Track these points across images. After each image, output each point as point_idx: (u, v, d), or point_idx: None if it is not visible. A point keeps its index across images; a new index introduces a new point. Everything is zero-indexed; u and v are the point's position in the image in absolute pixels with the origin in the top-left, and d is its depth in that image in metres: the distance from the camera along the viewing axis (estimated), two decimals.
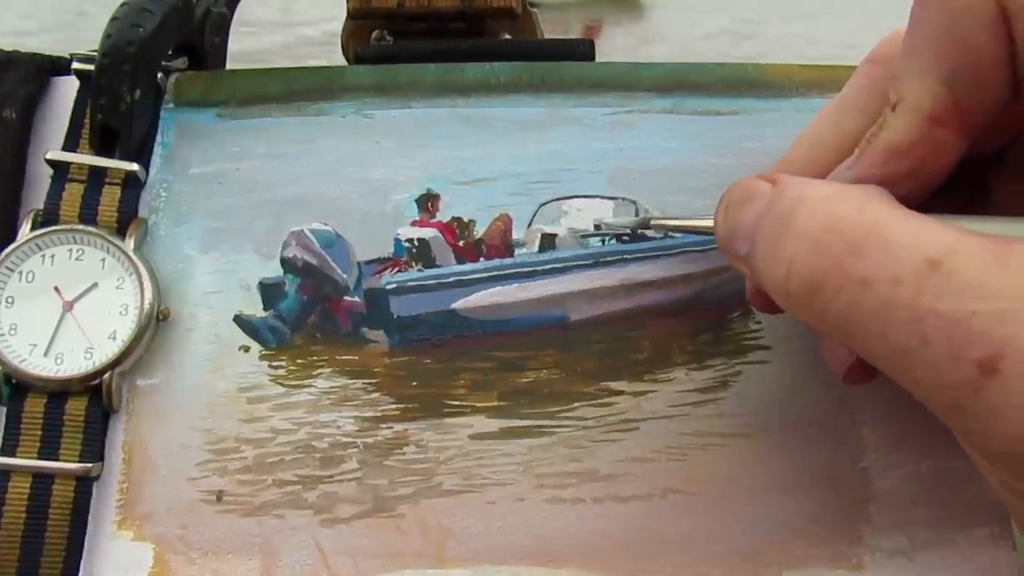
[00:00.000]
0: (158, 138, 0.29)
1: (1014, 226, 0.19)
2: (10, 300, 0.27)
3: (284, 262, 0.28)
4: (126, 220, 0.28)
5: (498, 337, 0.27)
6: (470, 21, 0.31)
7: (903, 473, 0.26)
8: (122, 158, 0.28)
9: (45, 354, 0.26)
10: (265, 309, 0.27)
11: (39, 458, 0.25)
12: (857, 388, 0.26)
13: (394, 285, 0.27)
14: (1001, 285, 0.16)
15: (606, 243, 0.28)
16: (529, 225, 0.28)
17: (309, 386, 0.27)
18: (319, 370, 0.27)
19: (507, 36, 0.32)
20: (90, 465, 0.26)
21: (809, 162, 0.24)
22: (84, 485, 0.25)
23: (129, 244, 0.27)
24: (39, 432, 0.26)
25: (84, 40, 0.30)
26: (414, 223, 0.28)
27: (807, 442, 0.26)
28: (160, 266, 0.28)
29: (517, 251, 0.28)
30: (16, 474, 0.25)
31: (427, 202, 0.28)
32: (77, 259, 0.27)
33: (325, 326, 0.27)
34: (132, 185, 0.28)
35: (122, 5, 0.28)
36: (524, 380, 0.27)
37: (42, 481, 0.25)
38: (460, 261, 0.28)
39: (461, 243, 0.28)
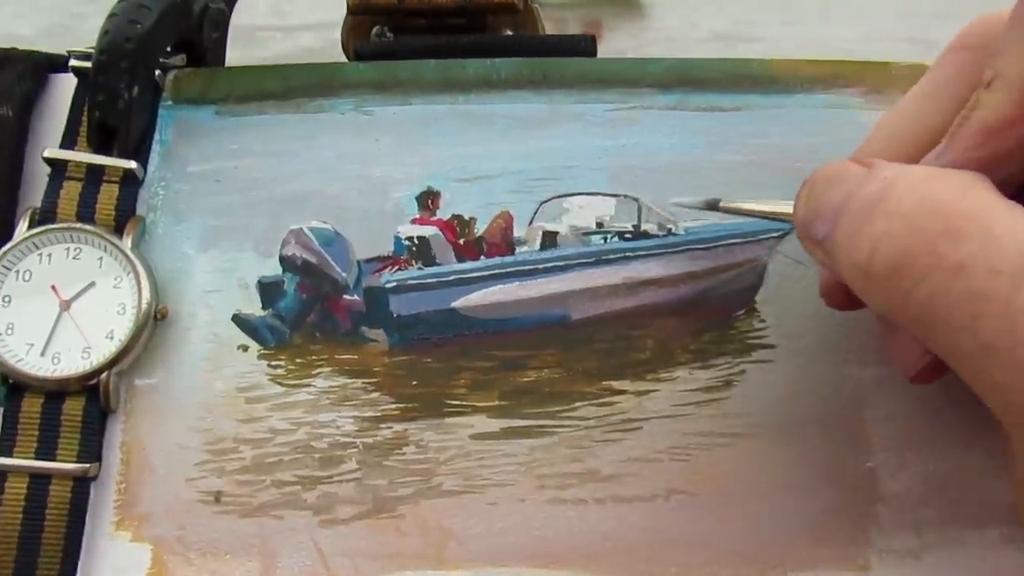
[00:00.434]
0: (156, 136, 0.29)
1: None
2: (7, 299, 0.26)
3: (283, 261, 0.28)
4: (124, 218, 0.27)
5: (499, 336, 0.27)
6: (471, 17, 0.31)
7: (911, 473, 0.25)
8: (120, 156, 0.28)
9: (42, 354, 0.26)
10: (264, 308, 0.27)
11: (36, 458, 0.25)
12: (865, 387, 0.26)
13: (394, 284, 0.27)
14: None
15: (608, 241, 0.28)
16: (530, 223, 0.28)
17: (308, 386, 0.26)
18: (318, 369, 0.27)
19: (508, 32, 0.31)
20: (87, 465, 0.25)
21: (888, 154, 0.22)
22: (81, 485, 0.25)
23: (127, 243, 0.27)
24: (36, 432, 0.25)
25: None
26: (414, 221, 0.28)
27: (813, 442, 0.26)
28: (158, 265, 0.27)
29: (518, 249, 0.28)
30: (13, 474, 0.25)
31: (427, 200, 0.28)
32: (74, 258, 0.27)
33: (324, 325, 0.27)
34: (130, 183, 0.28)
35: (120, 2, 0.27)
36: (525, 379, 0.27)
37: (39, 481, 0.25)
38: (460, 259, 0.28)
39: (462, 241, 0.28)
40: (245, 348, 0.27)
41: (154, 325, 0.27)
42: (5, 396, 0.26)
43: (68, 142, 0.28)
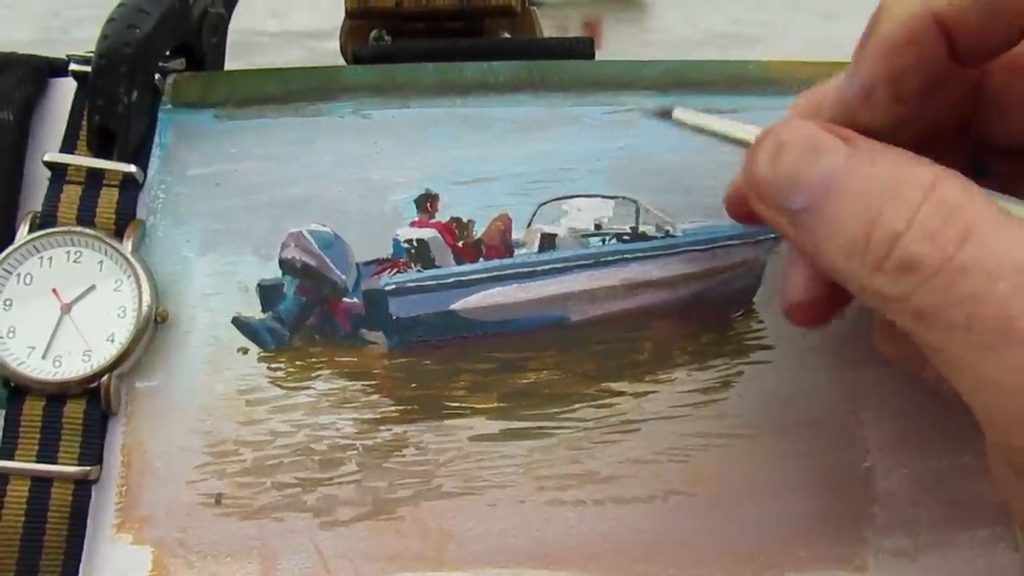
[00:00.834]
0: (156, 139, 0.29)
1: None
2: (8, 303, 0.26)
3: (283, 263, 0.28)
4: (124, 222, 0.28)
5: (498, 338, 0.27)
6: (469, 20, 0.31)
7: (906, 473, 0.26)
8: (120, 160, 0.28)
9: (43, 357, 0.26)
10: (264, 311, 0.27)
11: (37, 461, 0.25)
12: (862, 388, 0.26)
13: (393, 286, 0.27)
14: None
15: (606, 243, 0.28)
16: (529, 225, 0.28)
17: (308, 388, 0.27)
18: (318, 372, 0.27)
19: (506, 35, 0.32)
20: (89, 468, 0.25)
21: (808, 106, 0.23)
22: (83, 488, 0.25)
23: (127, 246, 0.27)
24: (37, 435, 0.26)
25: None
26: (413, 224, 0.28)
27: (810, 442, 0.26)
28: (158, 268, 0.27)
29: (517, 251, 0.28)
30: (15, 477, 0.25)
31: (426, 202, 0.28)
32: (75, 261, 0.27)
33: (324, 328, 0.27)
34: (130, 187, 0.28)
35: (119, 6, 0.28)
36: (524, 381, 0.27)
37: (40, 484, 0.25)
38: (459, 262, 0.28)
39: (460, 243, 0.28)
40: (245, 351, 0.27)
41: (154, 328, 0.27)
42: (6, 399, 0.26)
43: (68, 146, 0.28)
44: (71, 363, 0.26)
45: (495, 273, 0.27)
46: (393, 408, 0.26)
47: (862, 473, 0.26)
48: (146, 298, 0.26)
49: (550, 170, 0.28)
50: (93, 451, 0.26)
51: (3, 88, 0.29)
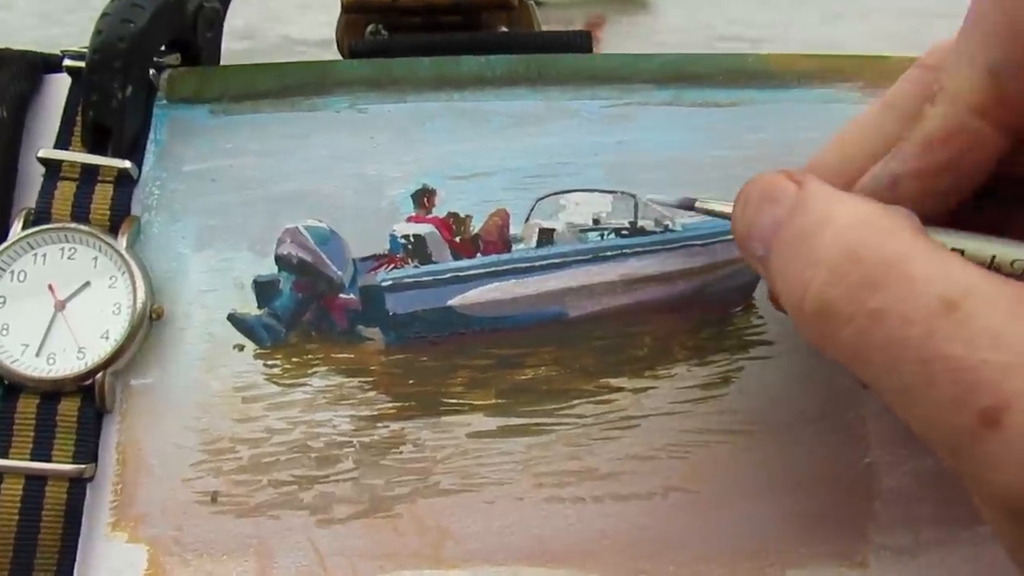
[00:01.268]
0: (151, 135, 0.29)
1: None
2: (1, 300, 0.26)
3: (278, 259, 0.28)
4: (119, 218, 0.27)
5: (496, 334, 0.27)
6: (465, 14, 0.31)
7: (908, 469, 0.25)
8: (114, 156, 0.28)
9: (37, 354, 0.26)
10: (259, 307, 0.27)
11: (32, 459, 0.25)
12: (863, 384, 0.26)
13: (390, 282, 0.27)
14: (1015, 337, 0.16)
15: (605, 238, 0.28)
16: (526, 220, 0.28)
17: (304, 385, 0.26)
18: (314, 369, 0.27)
19: (503, 29, 0.31)
20: (83, 466, 0.25)
21: (842, 165, 0.23)
22: (77, 486, 0.25)
23: (122, 242, 0.27)
24: (32, 433, 0.25)
25: None
26: (410, 219, 0.28)
27: (811, 438, 0.26)
28: (153, 264, 0.27)
29: (515, 246, 0.28)
30: (8, 475, 0.25)
31: (423, 197, 0.28)
32: (69, 258, 0.27)
33: (320, 324, 0.27)
34: (125, 183, 0.28)
35: (112, 1, 0.27)
36: (522, 377, 0.26)
37: (35, 482, 0.25)
38: (457, 257, 0.27)
39: (458, 239, 0.28)
40: (241, 347, 0.27)
41: (149, 325, 0.27)
42: (0, 397, 0.26)
43: (62, 142, 0.28)
44: (65, 361, 0.26)
45: (493, 268, 0.27)
46: (390, 405, 0.26)
47: (863, 469, 0.25)
48: (141, 295, 0.26)
49: (548, 164, 0.28)
50: (88, 449, 0.26)
51: None
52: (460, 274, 0.27)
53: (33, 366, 0.26)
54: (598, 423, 0.26)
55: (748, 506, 0.25)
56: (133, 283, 0.26)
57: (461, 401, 0.26)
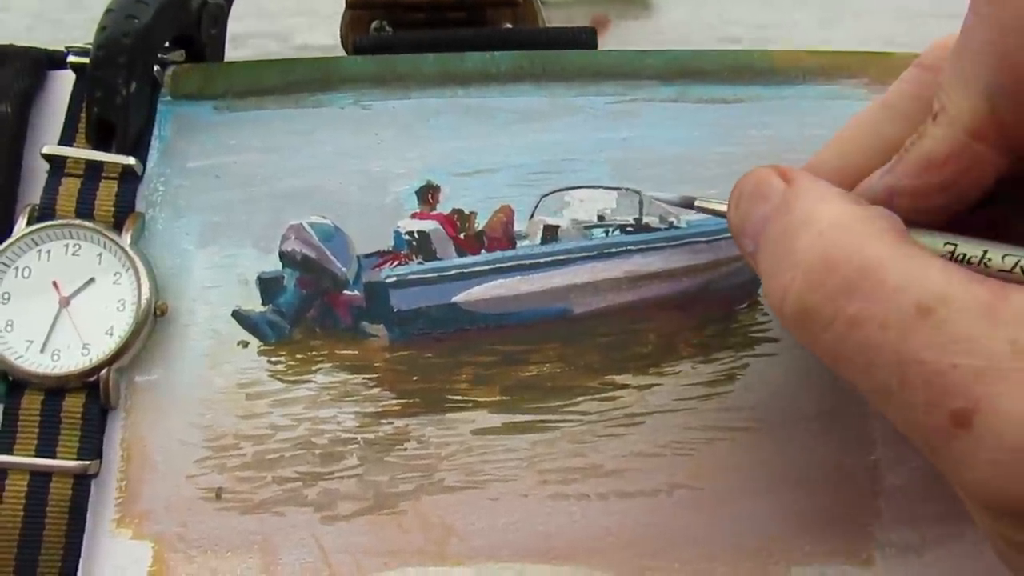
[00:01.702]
0: (155, 131, 0.29)
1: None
2: (6, 296, 0.26)
3: (283, 256, 0.27)
4: (123, 214, 0.27)
5: (500, 331, 0.27)
6: (470, 10, 0.31)
7: (913, 467, 0.25)
8: (119, 152, 0.28)
9: (42, 351, 0.26)
10: (264, 304, 0.27)
11: (36, 456, 0.25)
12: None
13: (394, 278, 0.27)
14: (987, 342, 0.17)
15: (609, 234, 0.28)
16: (531, 217, 0.28)
17: (308, 381, 0.26)
18: (318, 365, 0.27)
19: (508, 25, 0.31)
20: (88, 462, 0.25)
21: (841, 165, 0.23)
22: (82, 483, 0.25)
23: (126, 239, 0.27)
24: (36, 429, 0.25)
25: None
26: (414, 215, 0.28)
27: (816, 436, 0.26)
28: (157, 261, 0.27)
29: (519, 243, 0.28)
30: (13, 472, 0.25)
31: (427, 194, 0.28)
32: (73, 254, 0.27)
33: (324, 320, 0.27)
34: (129, 179, 0.28)
35: None
36: (527, 374, 0.26)
37: (40, 479, 0.25)
38: (461, 254, 0.27)
39: (462, 235, 0.28)
40: (245, 344, 0.27)
41: (154, 321, 0.27)
42: (5, 393, 0.26)
43: (67, 138, 0.28)
44: (70, 357, 0.26)
45: (497, 265, 0.27)
46: (394, 401, 0.26)
47: (868, 467, 0.25)
48: (145, 291, 0.26)
49: (552, 161, 0.28)
50: (92, 445, 0.26)
51: (1, 81, 0.29)
52: (464, 271, 0.27)
53: (38, 362, 0.26)
54: (603, 420, 0.26)
55: (753, 503, 0.25)
56: (137, 279, 0.26)
57: (465, 398, 0.26)
